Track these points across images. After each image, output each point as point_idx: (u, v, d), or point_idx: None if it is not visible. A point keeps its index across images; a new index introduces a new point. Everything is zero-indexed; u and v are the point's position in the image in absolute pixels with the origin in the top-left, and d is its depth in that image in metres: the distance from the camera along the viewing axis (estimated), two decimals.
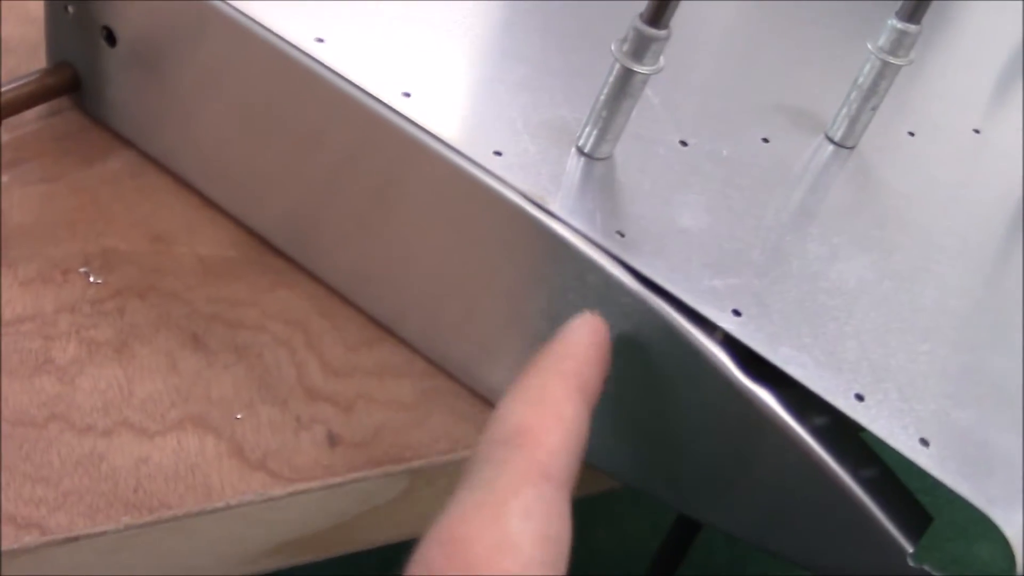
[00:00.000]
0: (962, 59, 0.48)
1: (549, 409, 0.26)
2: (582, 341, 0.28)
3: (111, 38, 0.40)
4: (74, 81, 0.42)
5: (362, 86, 0.34)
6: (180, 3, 0.37)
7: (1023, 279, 0.37)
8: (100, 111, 0.42)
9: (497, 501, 0.23)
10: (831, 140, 0.39)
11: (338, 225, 0.38)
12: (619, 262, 0.32)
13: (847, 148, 0.39)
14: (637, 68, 0.32)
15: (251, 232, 0.40)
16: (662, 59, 0.32)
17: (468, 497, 0.24)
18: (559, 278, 0.33)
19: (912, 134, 0.41)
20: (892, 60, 0.37)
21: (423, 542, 0.23)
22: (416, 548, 0.23)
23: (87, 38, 0.41)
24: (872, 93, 0.38)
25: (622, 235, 0.32)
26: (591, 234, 0.32)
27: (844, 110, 0.39)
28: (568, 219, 0.32)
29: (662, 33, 0.32)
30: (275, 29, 0.35)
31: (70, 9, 0.40)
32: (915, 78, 0.39)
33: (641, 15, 0.32)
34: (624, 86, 0.33)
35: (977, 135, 0.43)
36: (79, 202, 0.40)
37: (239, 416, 0.35)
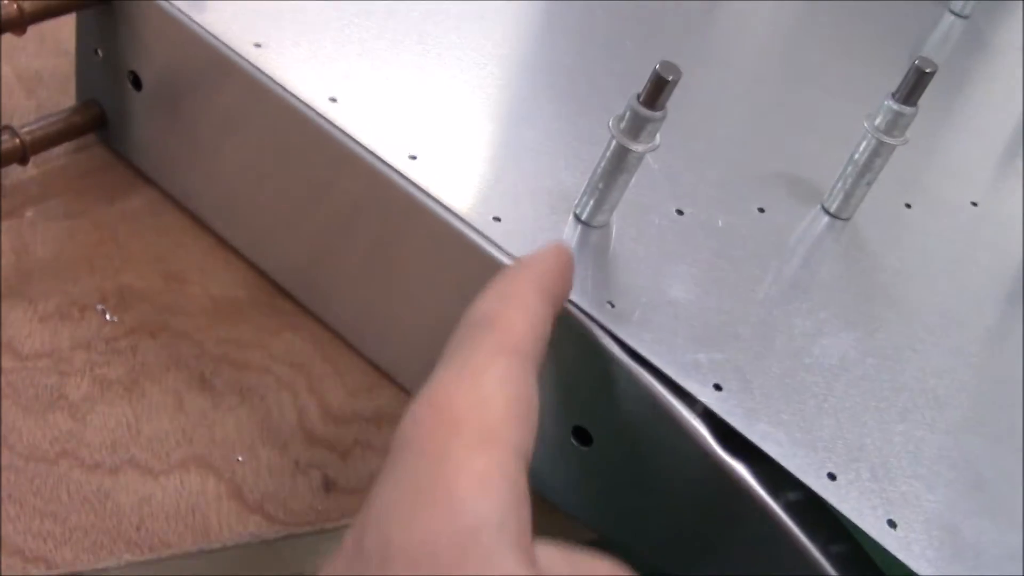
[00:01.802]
0: (964, 131, 0.49)
1: (518, 301, 0.29)
2: (549, 257, 0.31)
3: (137, 82, 0.42)
4: (101, 119, 0.44)
5: (371, 147, 0.36)
6: (202, 55, 0.38)
7: (1007, 360, 0.37)
8: (124, 149, 0.44)
9: (474, 370, 0.27)
10: (827, 211, 0.40)
11: (343, 273, 0.39)
12: (607, 332, 0.33)
13: (842, 220, 0.40)
14: (633, 146, 0.33)
15: (262, 274, 0.42)
16: (658, 137, 0.34)
17: (448, 370, 0.27)
18: (552, 343, 0.34)
19: (909, 206, 0.42)
20: (887, 140, 0.38)
21: (411, 406, 0.26)
22: (404, 413, 0.26)
23: (114, 80, 0.42)
24: (867, 169, 0.39)
25: (612, 305, 0.34)
26: (581, 303, 0.33)
27: (839, 184, 0.40)
28: None
29: (658, 115, 0.33)
30: (290, 87, 0.37)
31: (99, 52, 0.42)
32: (915, 149, 0.40)
33: (638, 95, 0.33)
34: (620, 162, 0.34)
35: (975, 208, 0.44)
36: (100, 238, 0.42)
37: (240, 458, 0.36)
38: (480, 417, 0.26)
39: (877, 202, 0.41)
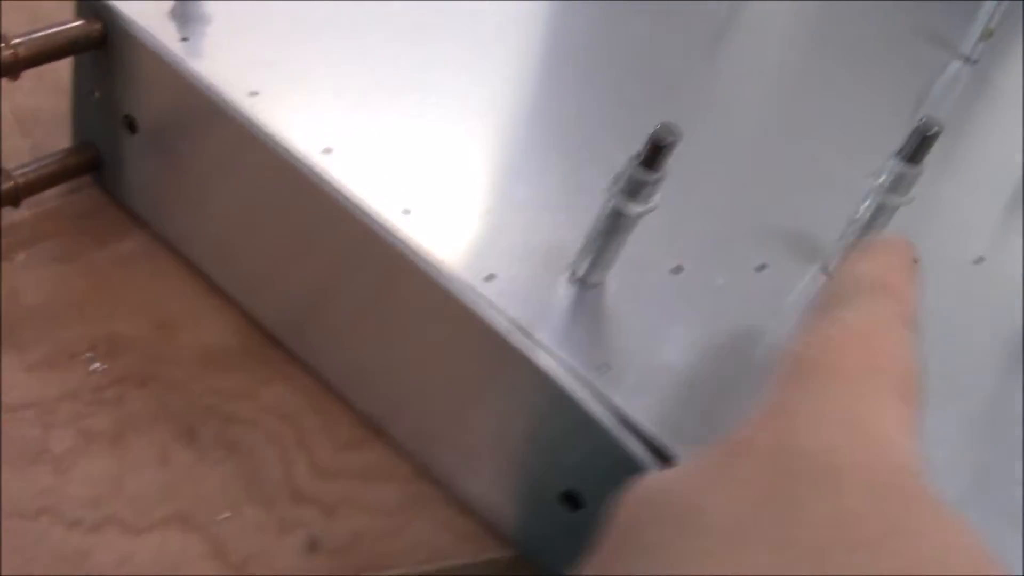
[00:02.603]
0: (970, 182, 0.48)
1: (903, 276, 0.30)
2: (900, 243, 0.33)
3: (132, 125, 0.41)
4: (96, 161, 0.43)
5: (363, 201, 0.35)
6: (196, 102, 0.38)
7: (1008, 430, 0.37)
8: (119, 191, 0.44)
9: (887, 326, 0.27)
10: (826, 272, 0.39)
11: (335, 324, 0.39)
12: (600, 397, 0.32)
13: None
14: (630, 208, 0.33)
15: (254, 321, 0.41)
16: (657, 198, 0.33)
17: (860, 314, 0.27)
18: (542, 405, 0.33)
19: (915, 261, 0.41)
20: (891, 200, 0.37)
21: (814, 329, 0.27)
22: (796, 336, 0.27)
23: (110, 123, 0.42)
24: (870, 229, 0.38)
25: (607, 367, 0.33)
26: (575, 367, 0.33)
27: (841, 243, 0.39)
28: (554, 350, 0.33)
29: (656, 176, 0.32)
30: (283, 138, 0.36)
31: (96, 94, 0.42)
32: (919, 201, 0.39)
33: (636, 156, 0.32)
34: (617, 223, 0.33)
35: (979, 265, 0.43)
36: (90, 284, 0.41)
37: (225, 516, 0.36)
38: (900, 368, 0.26)
39: None
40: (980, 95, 0.55)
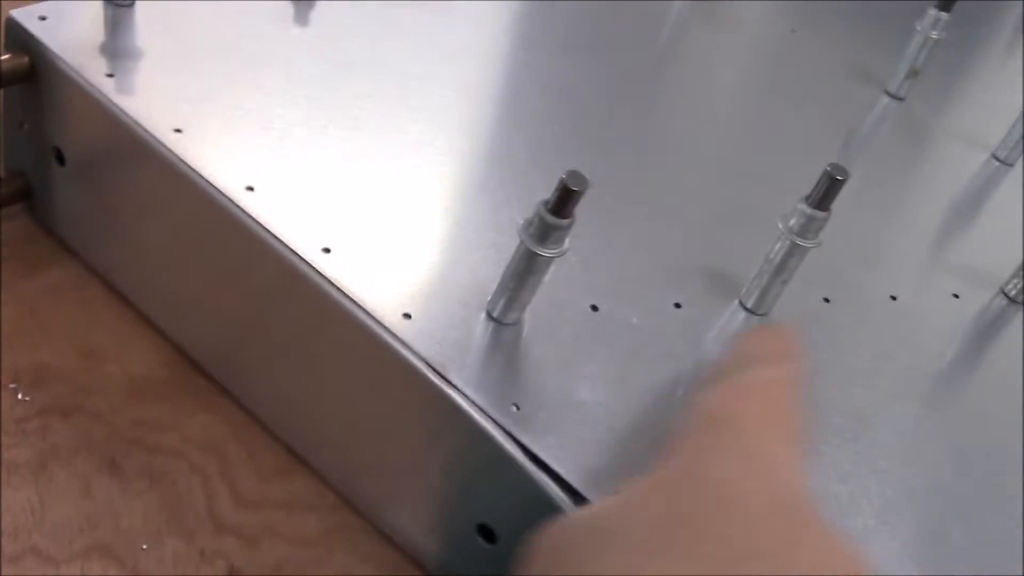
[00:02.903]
0: (890, 219, 0.49)
1: (795, 350, 0.36)
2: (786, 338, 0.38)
3: (60, 157, 0.42)
4: (26, 191, 0.44)
5: (284, 238, 0.36)
6: (122, 136, 0.38)
7: (916, 469, 0.38)
8: (49, 221, 0.44)
9: (778, 389, 0.32)
10: (744, 307, 0.41)
11: (258, 357, 0.39)
12: (510, 436, 0.33)
13: (759, 315, 0.41)
14: (541, 251, 0.34)
15: (181, 351, 0.42)
16: (567, 242, 0.34)
17: (754, 376, 0.32)
18: (456, 442, 0.34)
19: (828, 300, 0.43)
20: (800, 242, 0.38)
21: (712, 388, 0.32)
22: (700, 394, 0.32)
23: (39, 154, 0.42)
24: (782, 269, 0.39)
25: (517, 407, 0.34)
26: (486, 406, 0.33)
27: (756, 281, 0.40)
28: (465, 390, 0.34)
29: (565, 222, 0.33)
30: (207, 175, 0.37)
31: (24, 126, 0.42)
32: (839, 238, 0.40)
33: (545, 203, 0.33)
34: (529, 265, 0.34)
35: (894, 302, 0.44)
36: (18, 312, 0.41)
37: (144, 547, 0.36)
38: (788, 423, 0.31)
39: (796, 295, 0.41)
40: (907, 132, 0.57)
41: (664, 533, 0.27)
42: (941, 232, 0.50)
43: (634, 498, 0.28)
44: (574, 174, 0.32)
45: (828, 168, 0.37)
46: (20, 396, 0.39)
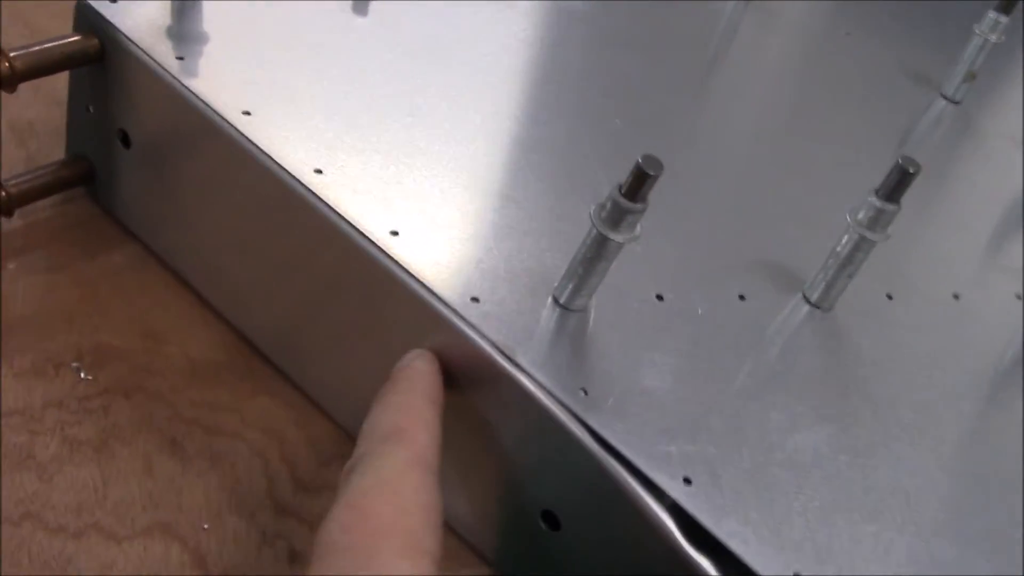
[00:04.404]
0: (950, 220, 0.49)
1: (416, 415, 0.32)
2: (425, 367, 0.34)
3: (126, 140, 0.42)
4: (89, 174, 0.44)
5: (353, 221, 0.36)
6: (190, 119, 0.39)
7: (981, 461, 0.37)
8: (111, 204, 0.44)
9: (392, 481, 0.30)
10: (808, 301, 0.40)
11: (320, 341, 0.39)
12: (578, 420, 0.33)
13: (823, 310, 0.40)
14: (612, 236, 0.33)
15: (241, 335, 0.42)
16: (639, 228, 0.34)
17: (366, 480, 0.30)
18: (524, 426, 0.34)
19: (891, 297, 0.42)
20: (869, 235, 0.38)
21: (334, 511, 0.29)
22: (325, 520, 0.29)
23: (104, 137, 0.42)
24: (848, 263, 0.39)
25: (585, 392, 0.34)
26: (554, 390, 0.33)
27: (821, 275, 0.40)
28: (534, 373, 0.33)
29: (638, 207, 0.33)
30: (276, 157, 0.37)
31: (90, 109, 0.42)
32: (900, 238, 0.40)
33: (620, 187, 0.33)
34: (600, 250, 0.34)
35: (956, 301, 0.44)
36: (80, 294, 0.42)
37: (206, 526, 0.36)
38: (403, 526, 0.29)
39: (859, 292, 0.41)
40: (962, 134, 0.57)
41: None
42: (1000, 234, 0.50)
43: None
44: (649, 158, 0.32)
45: (900, 160, 0.37)
46: (83, 375, 0.39)
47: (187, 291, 0.43)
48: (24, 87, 0.40)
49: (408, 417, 0.32)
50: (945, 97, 0.58)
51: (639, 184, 0.32)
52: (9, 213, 0.42)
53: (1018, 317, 0.44)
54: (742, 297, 0.39)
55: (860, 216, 0.38)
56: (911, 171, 0.36)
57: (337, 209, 0.36)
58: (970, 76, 0.57)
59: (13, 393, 0.38)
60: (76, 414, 0.38)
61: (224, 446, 0.38)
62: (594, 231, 0.34)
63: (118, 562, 0.34)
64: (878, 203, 0.37)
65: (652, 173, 0.32)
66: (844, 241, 0.39)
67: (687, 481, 0.32)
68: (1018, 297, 0.45)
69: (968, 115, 0.57)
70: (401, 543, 0.28)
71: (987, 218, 0.51)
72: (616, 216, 0.33)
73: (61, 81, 0.43)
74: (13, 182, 0.42)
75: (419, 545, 0.28)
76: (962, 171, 0.54)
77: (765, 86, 0.55)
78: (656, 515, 0.32)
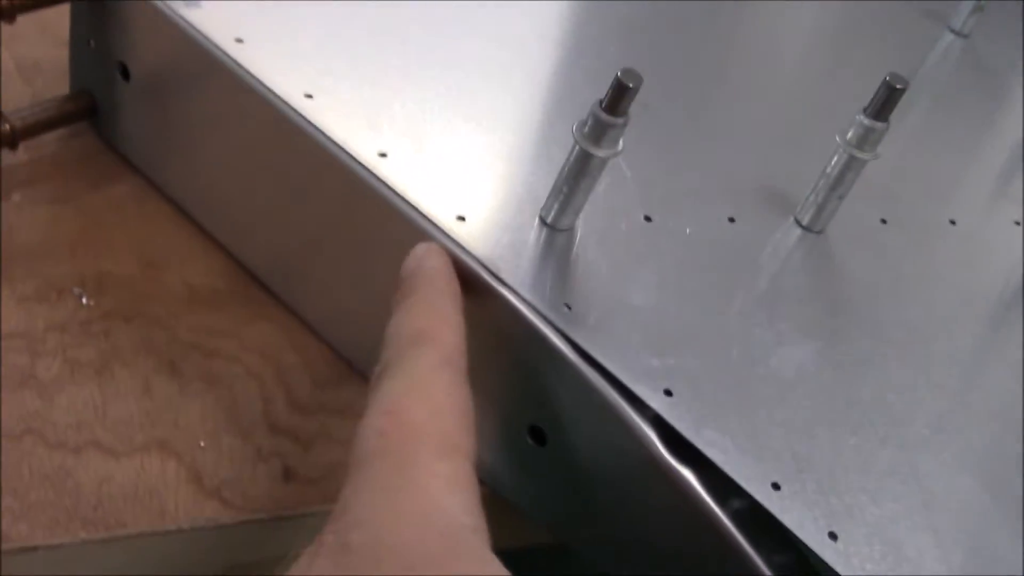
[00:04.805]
0: (952, 150, 0.49)
1: (441, 316, 0.32)
2: (439, 264, 0.34)
3: (125, 73, 0.42)
4: (92, 108, 0.45)
5: (341, 144, 0.36)
6: (185, 49, 0.39)
7: (969, 382, 0.37)
8: (113, 138, 0.45)
9: (424, 383, 0.30)
10: (799, 224, 0.40)
11: (315, 267, 0.40)
12: (562, 334, 0.33)
13: (814, 232, 0.40)
14: (595, 151, 0.34)
15: (240, 264, 0.43)
16: (621, 143, 0.34)
17: (397, 384, 0.30)
18: (509, 342, 0.35)
19: (885, 221, 0.42)
20: (858, 154, 0.38)
21: (367, 418, 0.29)
22: (359, 427, 0.29)
23: (105, 70, 0.43)
24: (839, 183, 0.39)
25: (569, 308, 0.34)
26: (539, 305, 0.34)
27: (812, 197, 0.40)
28: (519, 289, 0.34)
29: (619, 121, 0.33)
30: (267, 82, 0.37)
31: (91, 43, 0.43)
32: (897, 164, 0.40)
33: (600, 101, 0.33)
34: (583, 167, 0.34)
35: (953, 226, 0.44)
36: (83, 224, 0.42)
37: (202, 444, 0.37)
38: (438, 427, 0.29)
39: (852, 216, 0.41)
40: (969, 67, 0.56)
41: None
42: (1004, 164, 0.50)
43: (303, 566, 0.27)
44: (628, 71, 0.32)
45: (887, 77, 0.37)
46: (84, 300, 0.40)
47: (187, 221, 0.44)
48: (29, 27, 0.41)
49: (433, 318, 0.32)
50: (953, 31, 0.57)
51: (619, 97, 0.33)
52: (13, 146, 0.43)
53: (1016, 243, 0.44)
54: (732, 219, 0.39)
55: (849, 136, 0.38)
56: (898, 87, 0.36)
57: (326, 132, 0.37)
58: (978, 9, 0.56)
59: (16, 317, 0.39)
60: (77, 337, 0.39)
61: (221, 369, 0.39)
62: (577, 148, 0.34)
63: (116, 476, 0.35)
64: (867, 121, 0.37)
65: (631, 85, 0.32)
66: (834, 161, 0.39)
67: (668, 393, 0.33)
68: (1017, 224, 0.45)
69: (976, 48, 0.57)
70: (437, 444, 0.28)
71: (989, 148, 0.50)
72: (598, 131, 0.33)
73: (66, 21, 0.44)
74: (18, 116, 0.43)
75: (454, 445, 0.28)
76: (967, 102, 0.54)
77: (770, 16, 0.55)
78: (638, 426, 0.32)
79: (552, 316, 0.33)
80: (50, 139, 0.45)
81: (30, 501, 0.34)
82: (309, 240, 0.40)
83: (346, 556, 0.26)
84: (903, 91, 0.36)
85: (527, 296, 0.34)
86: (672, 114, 0.43)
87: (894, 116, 0.37)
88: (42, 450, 0.35)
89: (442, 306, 0.32)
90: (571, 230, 0.36)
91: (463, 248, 0.34)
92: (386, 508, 0.27)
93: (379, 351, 0.32)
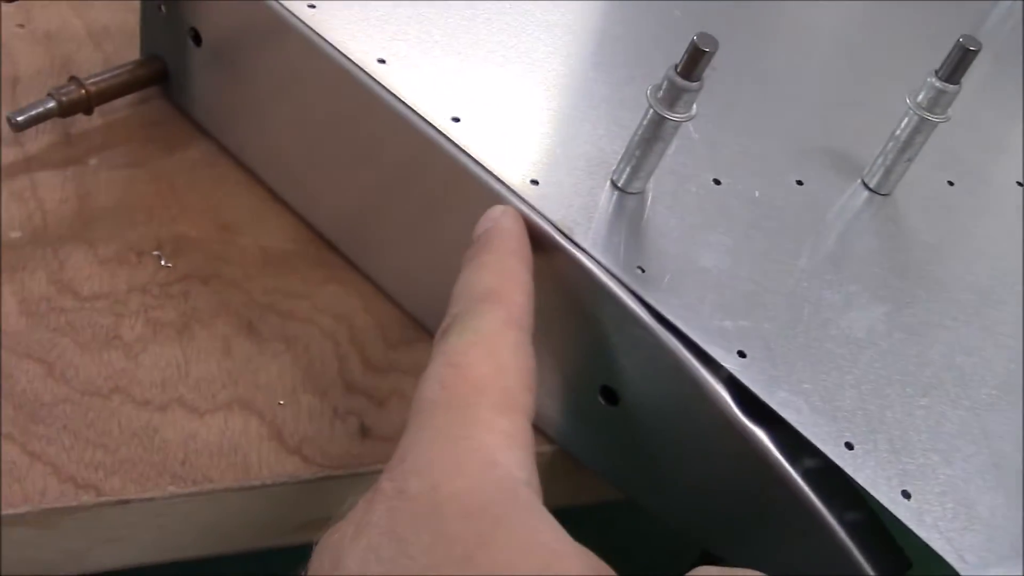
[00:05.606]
0: (1013, 110, 0.48)
1: (511, 275, 0.32)
2: (513, 226, 0.34)
3: (197, 38, 0.43)
4: (163, 73, 0.46)
5: (415, 108, 0.37)
6: (257, 14, 0.40)
7: None
8: (184, 102, 0.46)
9: (491, 340, 0.30)
10: (867, 186, 0.40)
11: (388, 230, 0.41)
12: (636, 296, 0.34)
13: (882, 195, 0.40)
14: (669, 115, 0.34)
15: (311, 227, 0.43)
16: (695, 107, 0.34)
17: (464, 338, 0.30)
18: (583, 304, 0.35)
19: (952, 183, 0.42)
20: (929, 117, 0.38)
21: (432, 368, 0.29)
22: (422, 378, 0.29)
23: (176, 36, 0.44)
24: (908, 146, 0.39)
25: (642, 270, 0.34)
26: (612, 267, 0.34)
27: (880, 159, 0.40)
28: (592, 252, 0.34)
29: (694, 85, 0.33)
30: (340, 47, 0.38)
31: (163, 8, 0.44)
32: (964, 127, 0.40)
33: (675, 66, 0.33)
34: (656, 131, 0.35)
35: (1020, 188, 0.43)
36: (158, 188, 0.43)
37: (282, 402, 0.38)
38: (500, 383, 0.29)
39: (919, 178, 0.41)
40: None
41: (371, 557, 0.26)
42: None
43: (356, 519, 0.27)
44: (704, 35, 0.32)
45: (961, 39, 0.36)
46: (163, 263, 0.41)
47: (258, 185, 0.44)
48: None
49: (503, 278, 0.32)
50: None
51: (694, 62, 0.33)
52: (89, 111, 0.44)
53: None
54: (800, 182, 0.40)
55: (920, 98, 0.38)
56: (972, 48, 0.36)
57: (400, 96, 0.37)
58: None
59: (99, 279, 0.40)
60: (158, 298, 0.40)
61: (297, 329, 0.40)
62: (651, 111, 0.34)
63: (200, 433, 0.37)
64: (938, 84, 0.37)
65: (707, 50, 0.32)
66: (904, 124, 0.39)
67: (741, 354, 0.33)
68: None
69: None
70: (498, 400, 0.29)
71: None
72: (672, 95, 0.34)
73: None
74: (91, 81, 0.44)
75: (515, 403, 0.29)
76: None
77: None
78: (712, 387, 0.33)
79: (626, 278, 0.34)
80: (122, 104, 0.46)
81: (120, 457, 0.35)
82: (380, 204, 0.41)
83: (403, 503, 0.26)
84: (976, 52, 0.36)
85: (601, 258, 0.34)
86: (737, 77, 0.43)
87: None
88: (130, 408, 0.37)
89: (513, 266, 0.33)
90: (642, 193, 0.37)
91: (536, 211, 0.35)
92: (445, 458, 0.27)
93: (447, 306, 0.32)
